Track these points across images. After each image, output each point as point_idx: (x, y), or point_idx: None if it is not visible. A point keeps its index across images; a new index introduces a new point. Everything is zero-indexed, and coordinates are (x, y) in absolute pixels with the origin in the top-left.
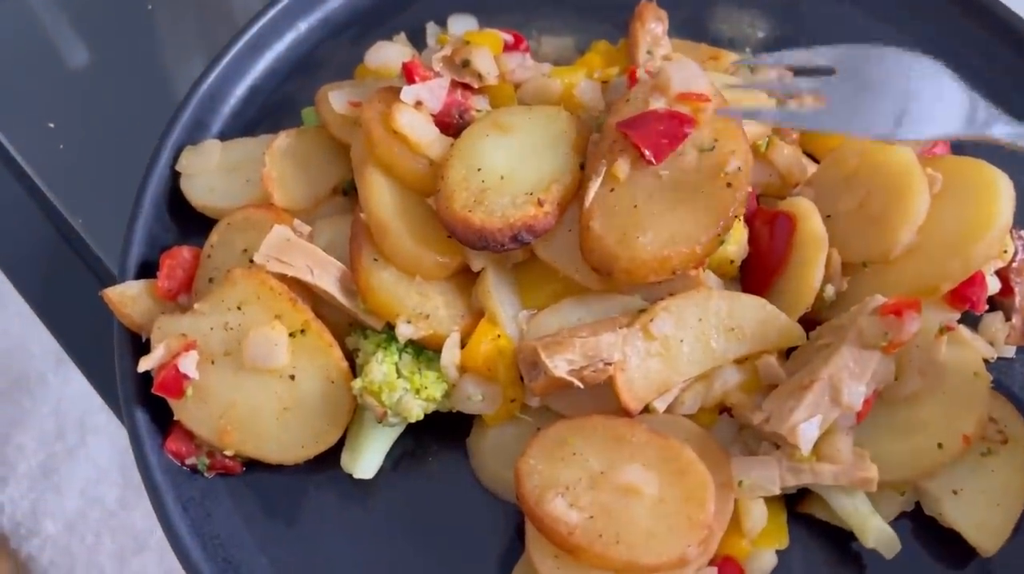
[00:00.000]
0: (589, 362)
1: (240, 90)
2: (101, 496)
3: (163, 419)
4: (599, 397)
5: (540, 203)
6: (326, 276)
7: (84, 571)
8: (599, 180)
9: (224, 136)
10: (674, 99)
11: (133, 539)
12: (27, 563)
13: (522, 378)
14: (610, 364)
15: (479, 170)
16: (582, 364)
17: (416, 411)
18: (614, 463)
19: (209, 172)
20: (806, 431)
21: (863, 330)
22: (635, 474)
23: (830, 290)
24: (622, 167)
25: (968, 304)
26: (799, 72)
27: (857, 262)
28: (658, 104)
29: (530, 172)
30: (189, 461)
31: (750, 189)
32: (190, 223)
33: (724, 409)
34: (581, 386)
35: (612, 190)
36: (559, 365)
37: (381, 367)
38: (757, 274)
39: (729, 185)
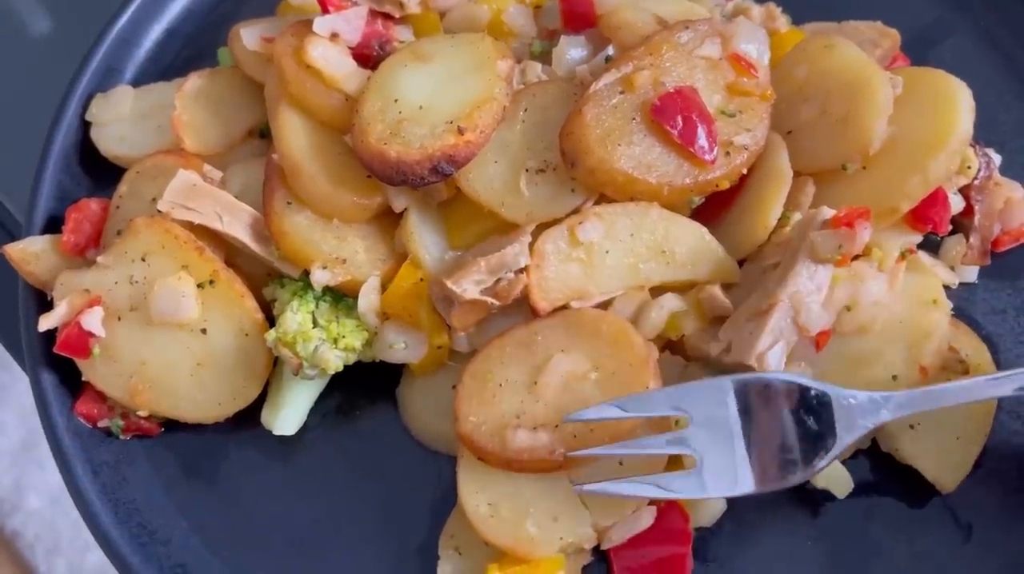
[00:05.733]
0: (498, 276)
1: (156, 33)
2: None
3: (74, 381)
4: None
5: (461, 131)
6: (236, 222)
7: (69, 545)
8: (616, 75)
9: (139, 82)
10: (728, 54)
11: None
12: (12, 539)
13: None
14: (522, 271)
15: (396, 101)
16: (491, 280)
17: (334, 362)
18: (538, 368)
19: (121, 120)
20: (771, 359)
21: (816, 244)
22: (562, 364)
23: (797, 218)
24: (642, 79)
25: (930, 225)
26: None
27: (836, 168)
28: (711, 49)
29: (450, 100)
30: (102, 424)
31: (744, 171)
32: (103, 175)
33: (667, 346)
34: (497, 303)
35: (621, 92)
36: (468, 288)
37: (296, 317)
38: (709, 203)
39: (728, 154)
